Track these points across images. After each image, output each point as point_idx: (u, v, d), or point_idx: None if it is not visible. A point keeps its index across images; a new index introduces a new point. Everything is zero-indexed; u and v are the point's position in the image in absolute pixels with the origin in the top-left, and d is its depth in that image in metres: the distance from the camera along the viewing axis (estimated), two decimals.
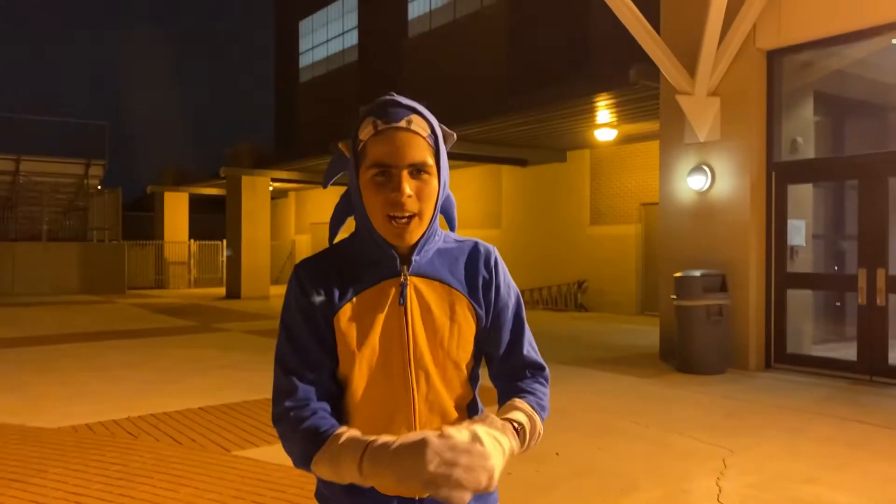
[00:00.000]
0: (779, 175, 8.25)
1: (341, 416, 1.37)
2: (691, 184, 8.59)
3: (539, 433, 1.38)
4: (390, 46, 20.78)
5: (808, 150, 8.66)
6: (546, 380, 1.49)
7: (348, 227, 1.46)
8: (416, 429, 1.35)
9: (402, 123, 1.30)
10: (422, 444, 1.12)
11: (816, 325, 9.28)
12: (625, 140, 14.65)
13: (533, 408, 1.40)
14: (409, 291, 1.37)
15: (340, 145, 1.42)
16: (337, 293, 1.37)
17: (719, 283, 8.09)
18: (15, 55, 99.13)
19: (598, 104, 11.53)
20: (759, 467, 4.56)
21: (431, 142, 1.33)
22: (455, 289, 1.40)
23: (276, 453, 4.91)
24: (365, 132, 1.32)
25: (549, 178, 16.79)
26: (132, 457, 4.83)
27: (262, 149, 20.91)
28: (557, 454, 4.84)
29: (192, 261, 25.41)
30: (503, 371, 1.49)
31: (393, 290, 1.37)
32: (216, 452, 4.97)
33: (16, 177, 22.63)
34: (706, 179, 8.45)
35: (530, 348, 1.50)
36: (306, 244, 26.74)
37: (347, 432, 1.25)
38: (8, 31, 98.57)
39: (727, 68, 8.23)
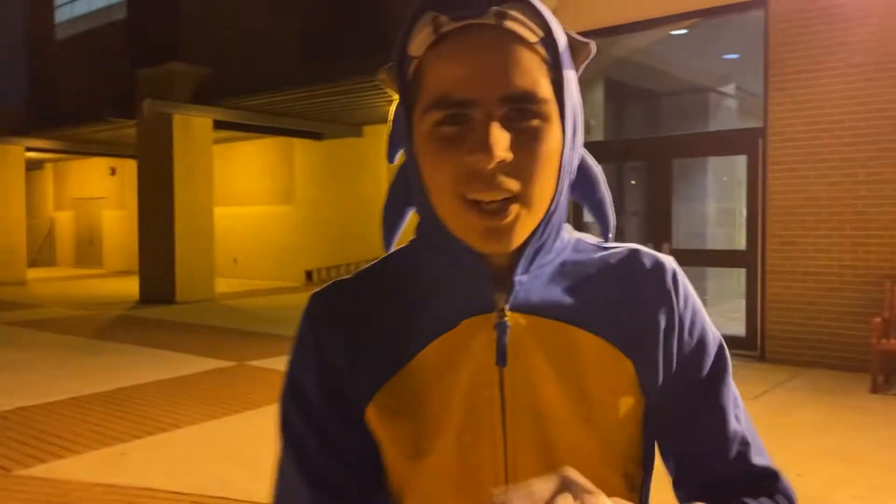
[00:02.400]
0: None
1: None
2: None
3: None
4: (164, 5, 19.09)
5: (598, 134, 9.19)
6: (791, 499, 0.78)
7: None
8: None
9: (489, 19, 0.66)
10: None
11: None
12: None
13: None
14: (514, 341, 0.72)
15: (383, 76, 0.74)
16: (382, 352, 0.75)
17: None
18: None
19: None
20: None
21: (547, 53, 0.68)
22: (598, 336, 0.74)
23: (69, 468, 4.22)
24: (419, 40, 0.67)
25: (345, 153, 16.46)
26: None
27: (11, 114, 18.40)
28: None
29: None
30: (702, 484, 0.78)
31: (483, 339, 0.72)
32: None
33: None
34: None
35: (750, 438, 0.78)
36: (68, 222, 24.02)
37: None
38: None
39: None
